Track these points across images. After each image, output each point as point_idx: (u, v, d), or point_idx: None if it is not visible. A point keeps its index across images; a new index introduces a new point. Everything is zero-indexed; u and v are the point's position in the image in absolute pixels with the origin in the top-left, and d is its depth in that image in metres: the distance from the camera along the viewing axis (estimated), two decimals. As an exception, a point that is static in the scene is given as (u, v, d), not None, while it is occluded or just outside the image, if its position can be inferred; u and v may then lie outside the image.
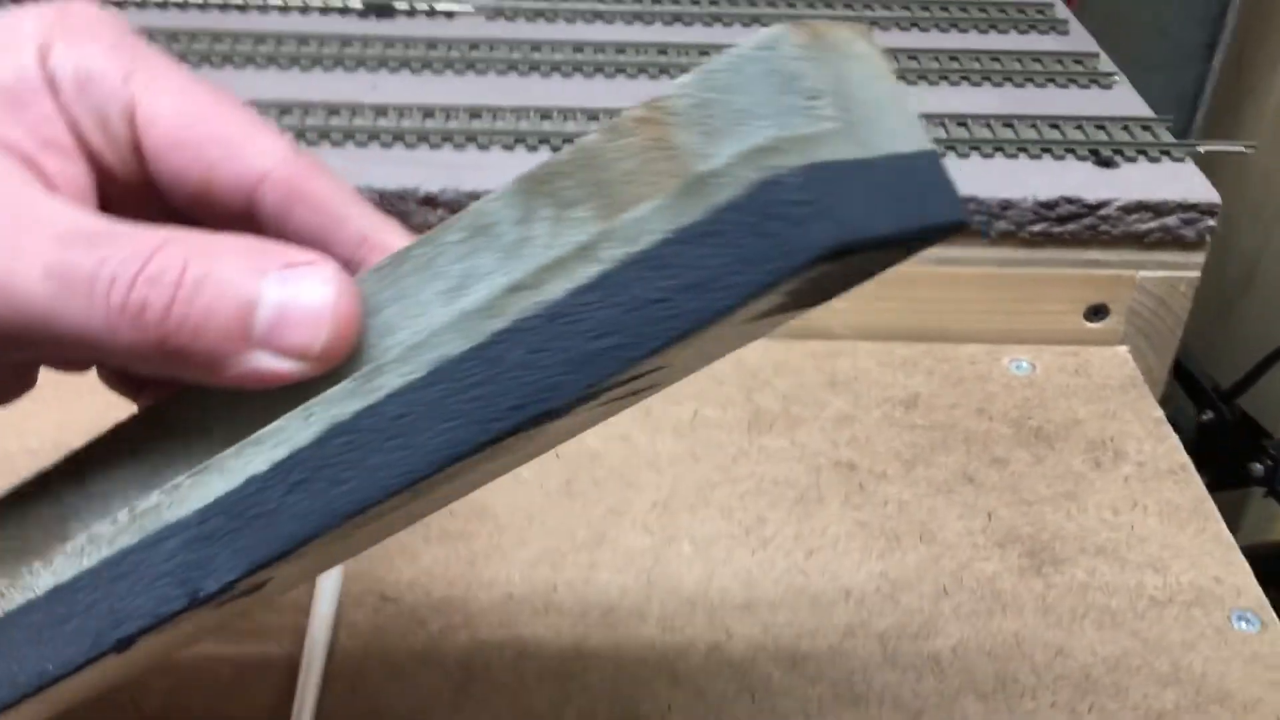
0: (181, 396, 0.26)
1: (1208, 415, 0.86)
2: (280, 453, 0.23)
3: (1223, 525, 0.43)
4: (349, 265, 0.26)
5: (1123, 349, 0.52)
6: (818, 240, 0.20)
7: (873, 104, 0.22)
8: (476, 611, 0.39)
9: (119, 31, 0.27)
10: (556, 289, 0.21)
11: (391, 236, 0.27)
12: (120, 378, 0.30)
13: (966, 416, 0.48)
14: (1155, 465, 0.46)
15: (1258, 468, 0.84)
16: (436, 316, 0.23)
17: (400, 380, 0.22)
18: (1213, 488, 0.88)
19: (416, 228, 0.49)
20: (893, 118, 0.23)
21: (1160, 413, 0.48)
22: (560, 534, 0.42)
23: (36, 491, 0.30)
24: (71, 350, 0.24)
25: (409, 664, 0.37)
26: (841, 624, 0.39)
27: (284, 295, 0.23)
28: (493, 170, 0.49)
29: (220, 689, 0.35)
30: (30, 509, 0.30)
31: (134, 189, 0.27)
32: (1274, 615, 0.39)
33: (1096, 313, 0.52)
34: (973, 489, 0.44)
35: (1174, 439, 0.47)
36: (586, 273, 0.21)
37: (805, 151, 0.20)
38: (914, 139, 0.23)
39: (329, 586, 0.38)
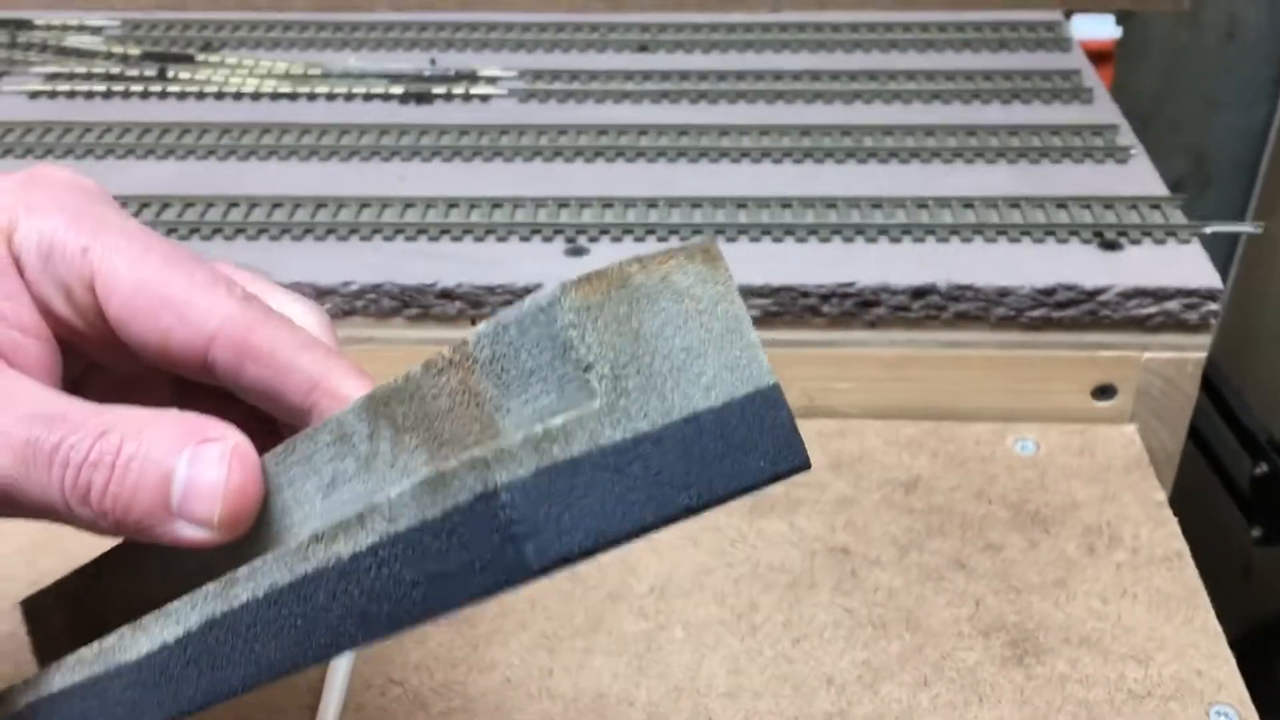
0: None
1: (1262, 468, 0.85)
2: (179, 631, 0.26)
3: (1211, 615, 0.44)
4: (301, 412, 0.29)
5: (1130, 428, 0.52)
6: (530, 563, 0.20)
7: (679, 355, 0.22)
8: (475, 695, 0.41)
9: (83, 199, 0.30)
10: (343, 548, 0.23)
11: (343, 381, 0.28)
12: None
13: (965, 500, 0.49)
14: (1150, 552, 0.46)
15: (1313, 523, 0.82)
16: (316, 508, 0.26)
17: (247, 596, 0.25)
18: (1265, 541, 0.87)
19: (437, 318, 0.52)
20: (709, 364, 0.22)
21: (1162, 495, 0.49)
22: (560, 618, 0.44)
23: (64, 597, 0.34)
24: (32, 515, 0.27)
25: (408, 747, 0.39)
26: (821, 713, 0.40)
27: (190, 471, 0.26)
28: (508, 264, 0.52)
29: (234, 769, 0.39)
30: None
31: (110, 344, 0.30)
32: (1254, 711, 0.40)
33: (1104, 392, 0.52)
34: (963, 576, 0.45)
35: (1173, 524, 0.48)
36: (362, 540, 0.22)
37: (554, 445, 0.20)
38: (738, 382, 0.22)
39: (341, 669, 0.41)
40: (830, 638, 0.43)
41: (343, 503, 0.26)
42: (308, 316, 0.31)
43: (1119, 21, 0.78)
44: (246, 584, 0.25)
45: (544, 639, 0.43)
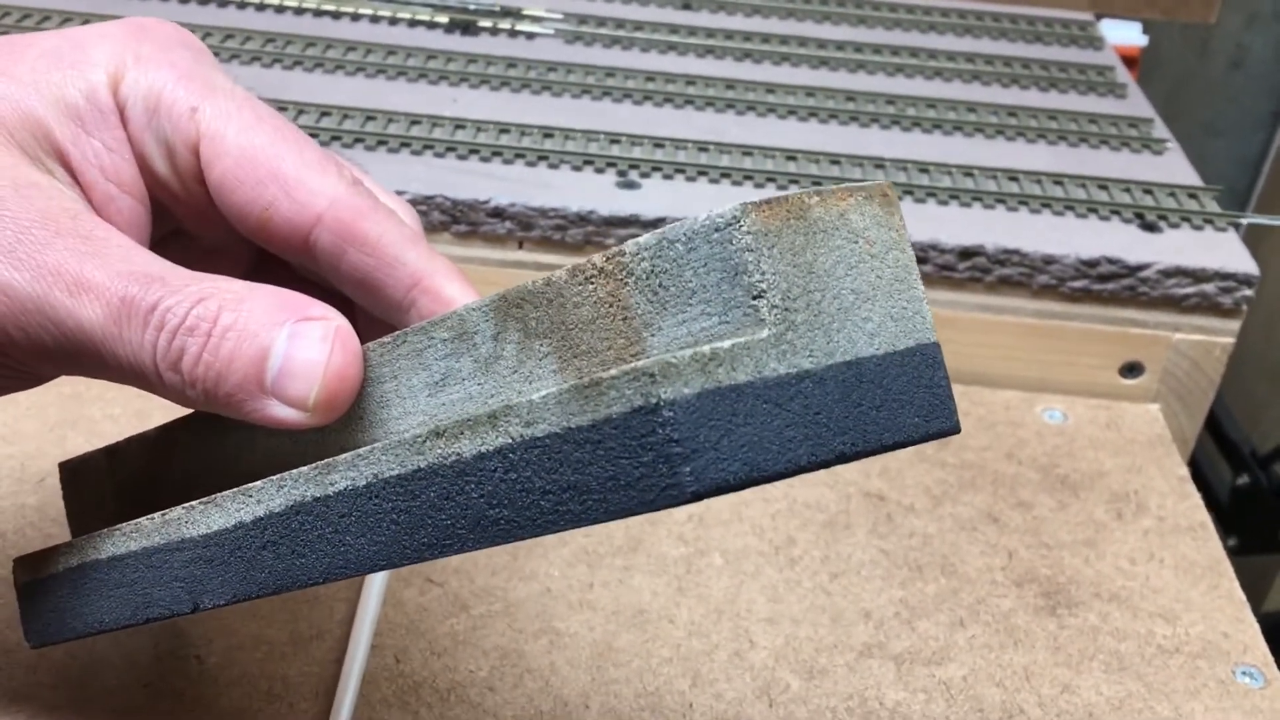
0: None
1: (1243, 479, 0.87)
2: (260, 511, 0.26)
3: (1236, 584, 0.44)
4: (400, 308, 0.28)
5: (1154, 407, 0.53)
6: (686, 485, 0.19)
7: (848, 297, 0.21)
8: (515, 601, 0.41)
9: (192, 58, 0.29)
10: (467, 447, 0.22)
11: (446, 282, 0.28)
12: None
13: (996, 459, 0.50)
14: (1175, 521, 0.47)
15: (1288, 536, 0.84)
16: (420, 404, 0.25)
17: (345, 483, 0.24)
18: (1240, 551, 0.90)
19: (485, 237, 0.52)
20: (875, 310, 0.21)
21: (1185, 471, 0.50)
22: (599, 537, 0.44)
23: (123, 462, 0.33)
24: (118, 378, 0.26)
25: (449, 643, 0.39)
26: (859, 643, 0.41)
27: (289, 348, 0.25)
28: (560, 189, 0.52)
29: (276, 651, 0.38)
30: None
31: (202, 211, 0.29)
32: (1279, 673, 0.41)
33: (1131, 370, 0.53)
34: (996, 529, 0.46)
35: (1196, 498, 0.49)
36: (491, 440, 0.21)
37: (720, 368, 0.19)
38: (901, 335, 0.21)
39: (380, 566, 0.41)
40: (868, 575, 0.43)
41: (453, 402, 0.25)
42: (406, 215, 0.31)
43: (1145, 30, 0.79)
44: (347, 471, 0.24)
45: (584, 555, 0.43)
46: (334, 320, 0.25)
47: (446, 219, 0.51)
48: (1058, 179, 0.56)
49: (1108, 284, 0.51)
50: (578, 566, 0.43)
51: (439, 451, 0.22)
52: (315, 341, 0.25)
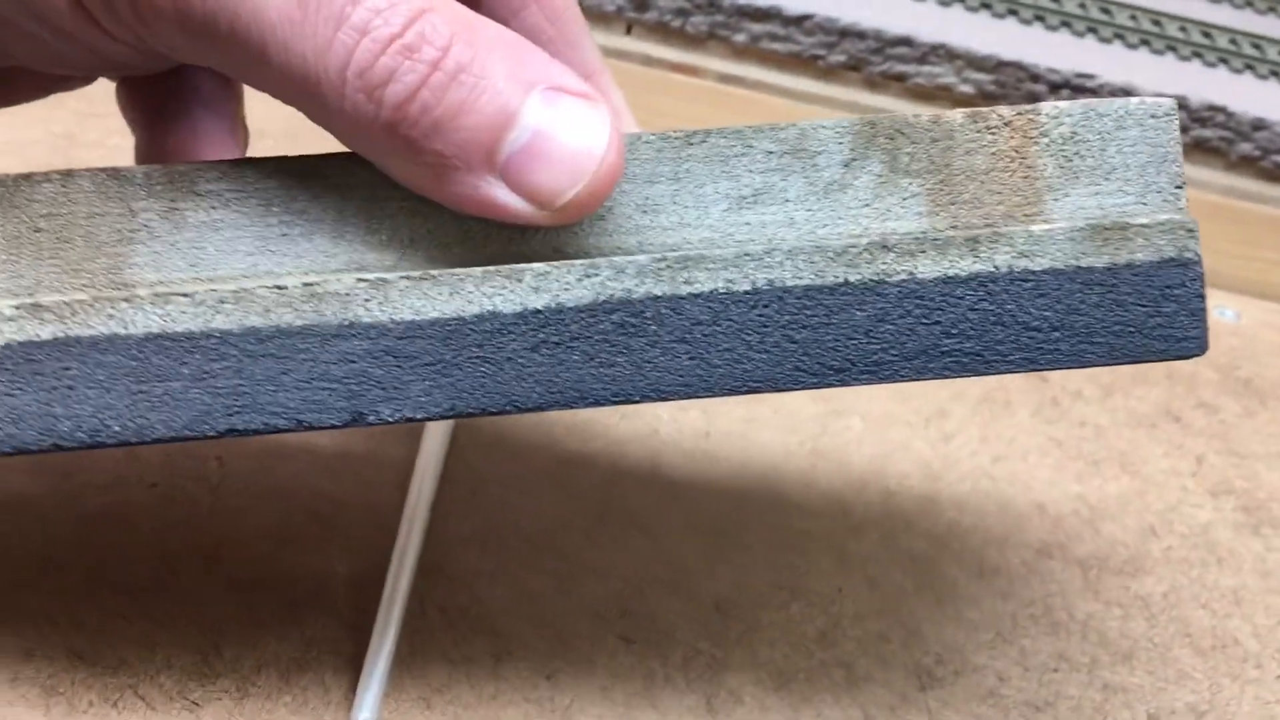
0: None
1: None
2: (538, 301, 0.20)
3: None
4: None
5: (1337, 319, 0.46)
6: (1203, 341, 0.21)
7: None
8: (618, 440, 0.33)
9: None
10: (928, 268, 0.21)
11: (611, 90, 0.24)
12: (141, 101, 0.24)
13: (1168, 352, 0.42)
14: (1381, 445, 0.40)
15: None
16: (710, 218, 0.21)
17: (719, 284, 0.21)
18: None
19: (587, 13, 0.42)
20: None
21: (1381, 392, 0.43)
22: (715, 379, 0.36)
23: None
24: (270, 86, 0.18)
25: (537, 481, 0.31)
26: (1035, 540, 0.33)
27: (545, 122, 0.18)
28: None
29: (320, 463, 0.30)
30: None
31: None
32: None
33: (1316, 273, 0.45)
34: (1179, 429, 0.38)
35: (1399, 422, 0.41)
36: (966, 265, 0.21)
37: (1190, 240, 0.21)
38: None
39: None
40: (1035, 464, 0.36)
41: (764, 224, 0.21)
42: None
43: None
44: (720, 271, 0.20)
45: (697, 400, 0.35)
46: (600, 100, 0.19)
47: (547, -15, 0.41)
48: (1256, 41, 0.47)
49: (1319, 164, 0.43)
50: (690, 411, 0.34)
51: (882, 268, 0.21)
52: (589, 122, 0.18)
